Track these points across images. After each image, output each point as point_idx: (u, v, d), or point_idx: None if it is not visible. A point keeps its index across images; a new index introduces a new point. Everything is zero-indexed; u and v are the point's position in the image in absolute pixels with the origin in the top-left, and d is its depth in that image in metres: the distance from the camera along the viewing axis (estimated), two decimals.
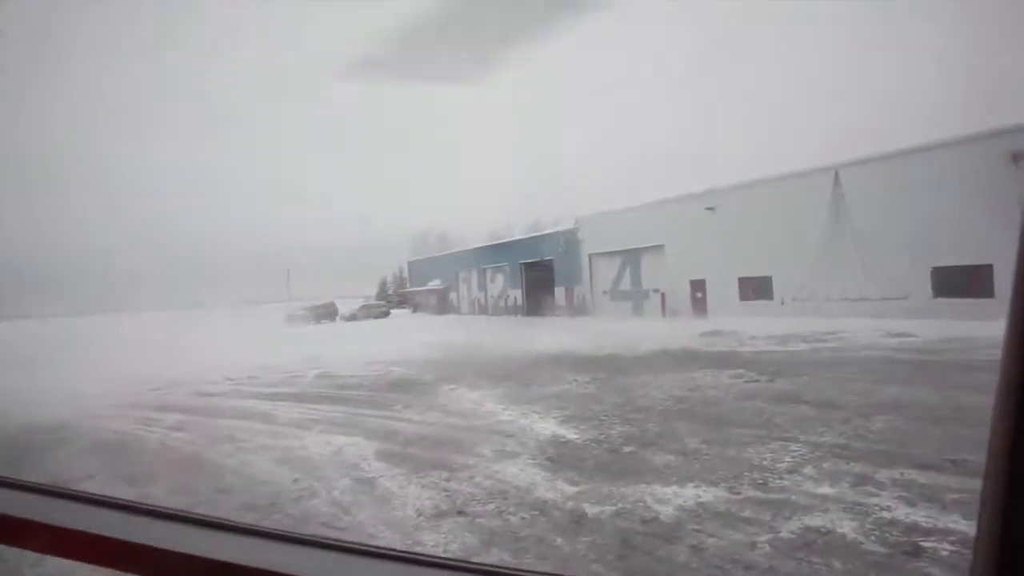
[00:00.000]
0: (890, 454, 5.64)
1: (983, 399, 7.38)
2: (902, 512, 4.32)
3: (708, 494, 4.92)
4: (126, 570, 0.71)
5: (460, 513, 4.87)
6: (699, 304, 26.39)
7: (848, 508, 4.46)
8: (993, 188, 16.85)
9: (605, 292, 32.26)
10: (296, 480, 6.07)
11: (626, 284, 30.99)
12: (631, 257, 30.36)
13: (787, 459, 5.71)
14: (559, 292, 35.27)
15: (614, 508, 4.74)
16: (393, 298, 61.85)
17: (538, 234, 40.20)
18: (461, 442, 7.12)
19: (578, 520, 4.56)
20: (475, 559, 3.96)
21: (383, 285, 71.37)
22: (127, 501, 0.80)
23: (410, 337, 24.72)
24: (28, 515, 0.76)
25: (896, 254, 19.23)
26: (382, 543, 4.12)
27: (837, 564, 3.65)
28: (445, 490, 5.44)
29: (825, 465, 5.46)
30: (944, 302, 18.07)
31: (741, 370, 11.15)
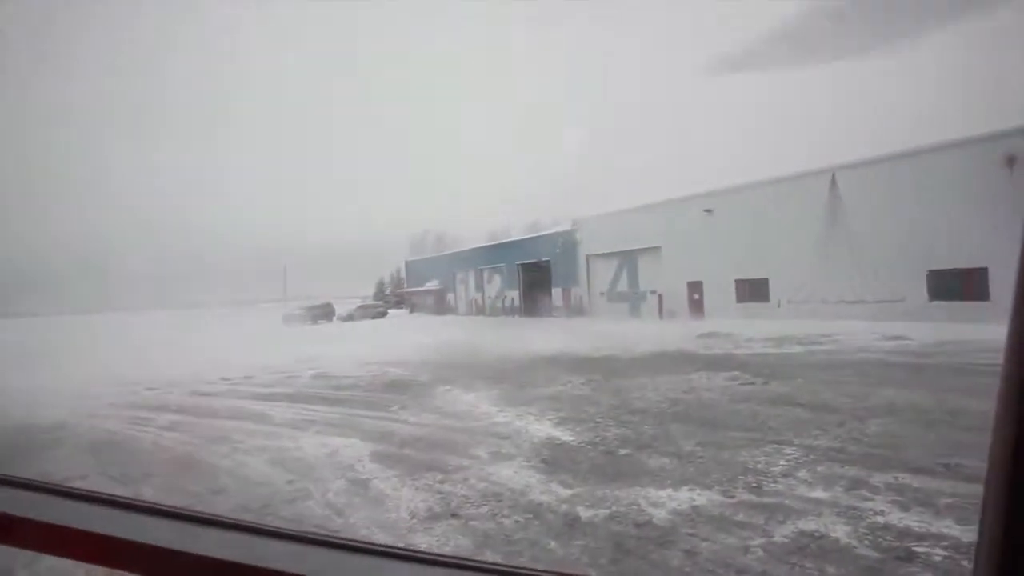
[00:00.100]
0: (884, 458, 5.65)
1: (977, 403, 7.42)
2: (896, 517, 4.32)
3: (702, 497, 4.92)
4: (120, 568, 0.70)
5: (454, 515, 4.86)
6: (696, 306, 26.43)
7: (842, 512, 4.46)
8: (988, 191, 16.92)
9: (602, 293, 32.29)
10: (290, 481, 6.05)
11: (623, 285, 31.02)
12: (628, 258, 30.39)
13: (781, 462, 5.71)
14: (556, 293, 35.29)
15: (608, 511, 4.74)
16: (390, 298, 61.87)
17: (536, 235, 40.24)
18: (456, 444, 7.11)
19: (572, 523, 4.55)
20: None
21: (380, 285, 71.35)
22: (121, 498, 0.80)
23: (407, 338, 24.71)
24: (21, 512, 0.75)
25: (892, 257, 19.29)
26: None
27: (830, 569, 3.65)
28: (439, 492, 5.43)
29: (819, 469, 5.47)
30: (940, 305, 18.13)
31: (737, 372, 11.16)
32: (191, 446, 7.93)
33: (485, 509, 4.96)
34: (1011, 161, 16.52)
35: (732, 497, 4.90)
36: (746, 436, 6.70)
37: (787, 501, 4.74)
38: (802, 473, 5.37)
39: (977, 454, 5.43)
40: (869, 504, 4.58)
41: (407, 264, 58.29)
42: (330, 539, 0.71)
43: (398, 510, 5.07)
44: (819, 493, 4.88)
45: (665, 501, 4.88)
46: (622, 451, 6.41)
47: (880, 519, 4.29)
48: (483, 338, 22.25)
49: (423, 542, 4.40)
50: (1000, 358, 0.51)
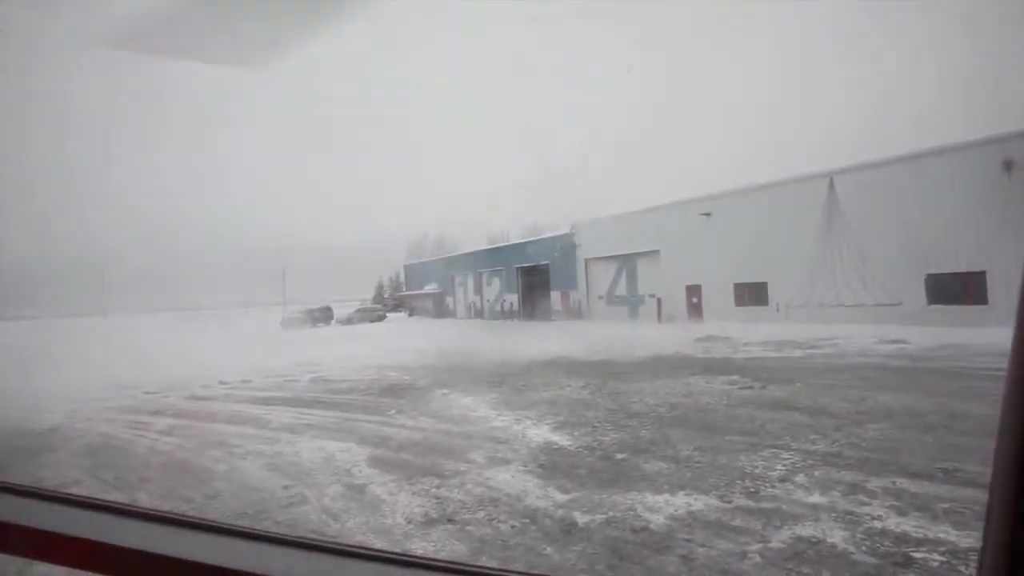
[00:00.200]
0: (882, 462, 5.63)
1: (975, 407, 7.42)
2: (893, 522, 4.31)
3: (699, 502, 4.90)
4: (113, 574, 0.69)
5: (450, 521, 4.84)
6: (694, 309, 26.42)
7: (839, 517, 4.44)
8: (986, 196, 16.94)
9: (601, 297, 32.28)
10: (286, 486, 6.02)
11: (622, 289, 31.02)
12: (627, 262, 30.39)
13: (779, 467, 5.69)
14: (555, 297, 35.27)
15: (605, 516, 4.72)
16: (389, 302, 61.82)
17: (535, 239, 40.25)
18: (453, 448, 7.09)
19: (568, 529, 4.53)
20: None
21: (379, 288, 71.34)
22: (113, 503, 0.79)
23: (405, 341, 24.68)
24: (11, 518, 0.74)
25: (890, 260, 19.30)
26: None
27: (827, 575, 3.63)
28: (436, 497, 5.41)
29: (817, 473, 5.45)
30: (938, 309, 18.14)
31: (735, 376, 11.15)
32: (187, 451, 7.90)
33: (481, 514, 4.94)
34: (1009, 165, 16.55)
35: (729, 502, 4.88)
36: (744, 440, 6.68)
37: (784, 506, 4.72)
38: (800, 478, 5.36)
39: (975, 459, 5.43)
40: (866, 509, 4.56)
41: (406, 267, 58.29)
42: (326, 544, 0.70)
43: (394, 515, 5.05)
44: (816, 498, 4.86)
45: (662, 506, 4.86)
46: (619, 456, 6.39)
47: (877, 524, 4.28)
48: (481, 342, 22.23)
49: (419, 547, 4.38)
50: (999, 362, 0.49)
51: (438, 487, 5.67)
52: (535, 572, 3.75)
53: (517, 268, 38.59)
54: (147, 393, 13.40)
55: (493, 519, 4.82)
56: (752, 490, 5.12)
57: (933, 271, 18.46)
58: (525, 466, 6.21)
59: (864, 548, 3.93)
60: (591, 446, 6.85)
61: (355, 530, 4.79)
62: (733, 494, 5.05)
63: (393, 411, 9.64)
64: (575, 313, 33.19)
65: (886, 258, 19.41)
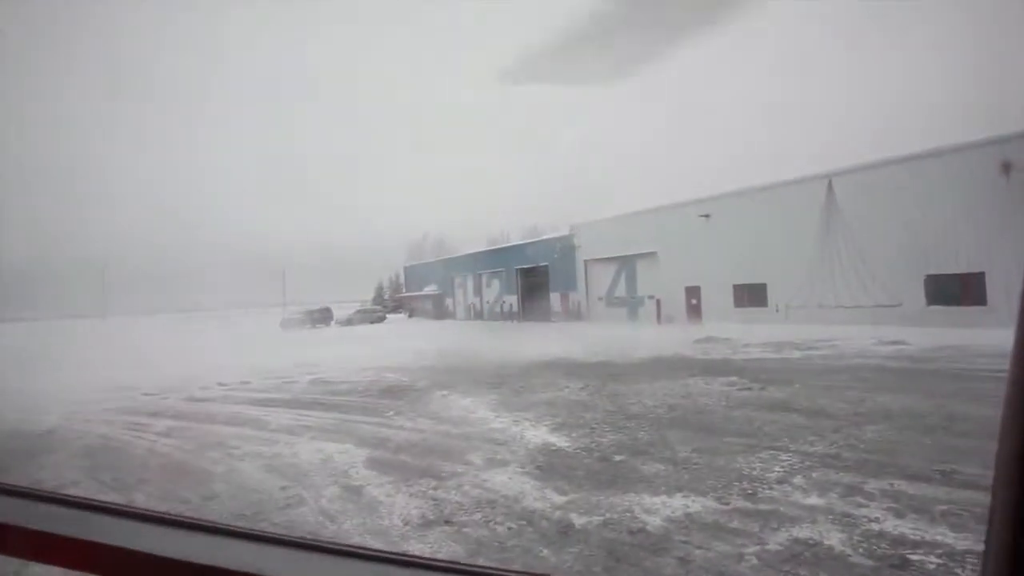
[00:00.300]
0: (880, 464, 5.63)
1: (975, 408, 7.41)
2: (891, 524, 4.30)
3: (697, 504, 4.89)
4: (109, 575, 0.69)
5: (447, 522, 4.83)
6: (694, 311, 26.42)
7: (836, 519, 4.44)
8: (985, 197, 16.95)
9: (600, 298, 32.28)
10: (284, 488, 6.02)
11: (621, 290, 31.02)
12: (626, 263, 30.39)
13: (777, 469, 5.69)
14: (555, 298, 35.28)
15: (602, 518, 4.71)
16: (389, 303, 61.79)
17: (534, 240, 40.27)
18: (451, 450, 7.09)
19: (565, 531, 4.53)
20: None
21: (379, 290, 71.33)
22: (110, 504, 0.78)
23: (405, 342, 24.68)
24: (7, 519, 0.73)
25: (890, 261, 19.30)
26: None
27: None
28: (433, 499, 5.40)
29: (815, 475, 5.45)
30: (937, 310, 18.14)
31: (734, 378, 11.14)
32: (186, 452, 7.89)
33: (478, 516, 4.93)
34: (1007, 167, 16.55)
35: (727, 504, 4.87)
36: (742, 442, 6.68)
37: (782, 508, 4.72)
38: (797, 479, 5.35)
39: (973, 460, 5.43)
40: (864, 511, 4.56)
41: (406, 269, 58.32)
42: (324, 545, 0.70)
43: (391, 517, 5.05)
44: (814, 500, 4.86)
45: (659, 508, 4.86)
46: (617, 457, 6.39)
47: (875, 526, 4.27)
48: (481, 343, 22.23)
49: (415, 549, 4.37)
50: (998, 363, 0.49)
51: (435, 489, 5.66)
52: (533, 572, 3.74)
53: (517, 269, 38.60)
54: (146, 394, 13.38)
55: (490, 521, 4.81)
56: (750, 492, 5.11)
57: (932, 272, 18.46)
58: (523, 468, 6.21)
59: (861, 550, 3.93)
60: (589, 447, 6.84)
61: (352, 532, 4.79)
62: (731, 496, 5.04)
63: (392, 412, 9.63)
64: (574, 314, 33.19)
65: (885, 259, 19.42)
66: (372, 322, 45.85)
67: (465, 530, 4.66)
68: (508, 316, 38.71)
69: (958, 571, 3.59)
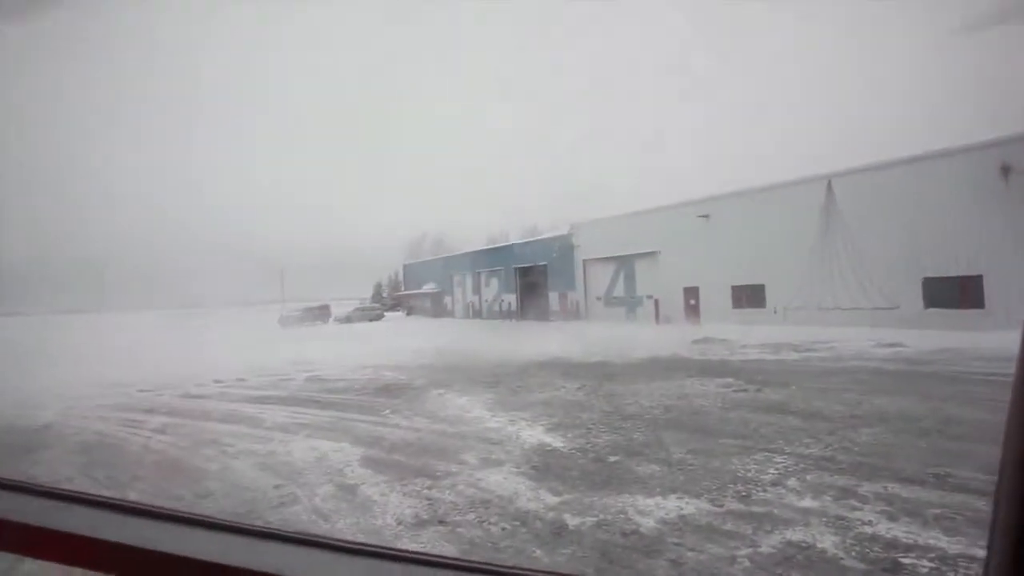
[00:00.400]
0: (875, 467, 5.62)
1: (971, 411, 7.40)
2: (884, 527, 4.29)
3: (690, 506, 4.89)
4: (102, 570, 0.68)
5: (440, 522, 4.82)
6: (692, 311, 26.42)
7: (830, 522, 4.43)
8: (984, 199, 16.95)
9: (599, 298, 32.27)
10: (278, 486, 6.01)
11: (620, 290, 31.01)
12: (625, 263, 30.39)
13: (771, 471, 5.68)
14: (553, 297, 35.27)
15: (595, 519, 4.70)
16: (387, 301, 61.76)
17: (533, 239, 40.26)
18: (446, 449, 7.08)
19: (558, 531, 4.52)
20: None
21: (378, 288, 71.29)
22: (106, 499, 0.78)
23: (403, 341, 24.66)
24: (1, 514, 0.73)
25: (888, 264, 19.30)
26: None
27: None
28: (427, 498, 5.39)
29: (809, 477, 5.44)
30: (935, 312, 18.14)
31: (730, 379, 11.14)
32: (180, 449, 7.88)
33: (472, 516, 4.92)
34: (1006, 170, 16.56)
35: (720, 506, 4.87)
36: (737, 444, 6.67)
37: (775, 510, 4.71)
38: (792, 482, 5.35)
39: (968, 464, 5.43)
40: (857, 514, 4.55)
41: (405, 267, 58.30)
42: (320, 540, 0.70)
43: (385, 516, 5.04)
44: (808, 502, 4.85)
45: (653, 509, 4.85)
46: (612, 458, 6.38)
47: (868, 529, 4.27)
48: (479, 342, 22.22)
49: (408, 549, 4.36)
50: (996, 366, 0.48)
51: (430, 488, 5.65)
52: (524, 567, 3.73)
53: (515, 268, 38.60)
54: (141, 391, 13.36)
55: (483, 521, 4.80)
56: (744, 494, 5.11)
57: (931, 275, 18.47)
58: (518, 468, 6.20)
59: (854, 553, 3.92)
60: (584, 448, 6.83)
61: (345, 531, 4.78)
62: (724, 498, 5.03)
63: (388, 411, 9.62)
64: (573, 314, 33.18)
65: (884, 261, 19.42)
66: (370, 320, 45.81)
67: (459, 530, 4.65)
68: (506, 315, 38.70)
69: (950, 575, 3.59)
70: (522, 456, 6.62)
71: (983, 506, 4.46)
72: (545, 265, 35.84)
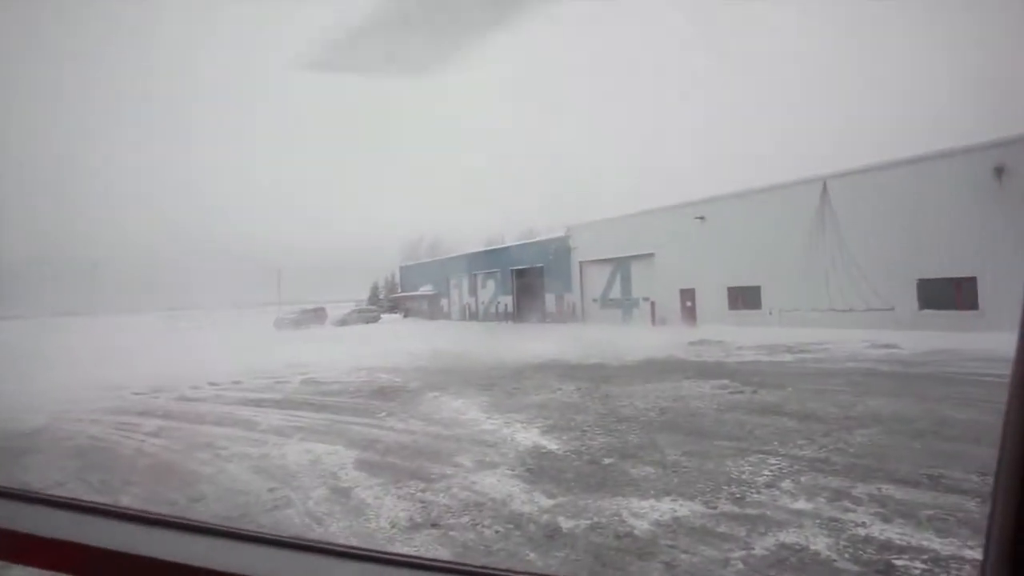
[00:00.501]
0: (869, 468, 5.63)
1: (965, 412, 7.42)
2: (877, 529, 4.30)
3: (684, 508, 4.88)
4: None
5: (434, 525, 4.81)
6: (688, 313, 26.46)
7: (823, 524, 4.43)
8: (978, 201, 17.03)
9: (595, 300, 32.30)
10: (271, 489, 5.98)
11: (616, 292, 31.04)
12: (621, 265, 30.42)
13: (765, 473, 5.68)
14: (549, 299, 35.29)
15: (589, 522, 4.70)
16: (384, 303, 61.65)
17: (529, 241, 40.26)
18: (441, 452, 7.06)
19: (552, 534, 4.51)
20: None
21: (374, 290, 71.19)
22: (96, 504, 0.77)
23: (399, 343, 24.62)
24: None
25: (883, 265, 19.37)
26: None
27: None
28: (421, 501, 5.38)
29: (803, 479, 5.45)
30: (930, 314, 18.21)
31: (726, 380, 11.15)
32: (174, 452, 7.84)
33: (466, 519, 4.91)
34: (1000, 171, 16.64)
35: (714, 508, 4.86)
36: (732, 446, 6.68)
37: (769, 512, 4.71)
38: (786, 484, 5.35)
39: (962, 465, 5.44)
40: (851, 516, 4.55)
41: (401, 269, 58.25)
42: (313, 545, 0.69)
43: (378, 519, 5.02)
44: (802, 504, 4.85)
45: (647, 512, 4.85)
46: (607, 460, 6.37)
47: (861, 531, 4.27)
48: (475, 344, 22.19)
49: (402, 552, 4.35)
50: (990, 367, 0.47)
51: (424, 491, 5.64)
52: (518, 570, 3.72)
53: (512, 270, 38.61)
54: (136, 394, 13.31)
55: (477, 524, 4.79)
56: (738, 496, 5.11)
57: (925, 276, 18.53)
58: (512, 470, 6.19)
59: (847, 555, 3.92)
60: (579, 450, 6.83)
61: (338, 534, 4.76)
62: (719, 500, 5.03)
63: (383, 413, 9.60)
64: (569, 316, 33.21)
65: (878, 263, 19.48)
66: (367, 322, 45.73)
67: (452, 533, 4.64)
68: (503, 317, 38.70)
69: None
70: (517, 459, 6.61)
71: (976, 507, 4.48)
72: (541, 267, 35.86)
